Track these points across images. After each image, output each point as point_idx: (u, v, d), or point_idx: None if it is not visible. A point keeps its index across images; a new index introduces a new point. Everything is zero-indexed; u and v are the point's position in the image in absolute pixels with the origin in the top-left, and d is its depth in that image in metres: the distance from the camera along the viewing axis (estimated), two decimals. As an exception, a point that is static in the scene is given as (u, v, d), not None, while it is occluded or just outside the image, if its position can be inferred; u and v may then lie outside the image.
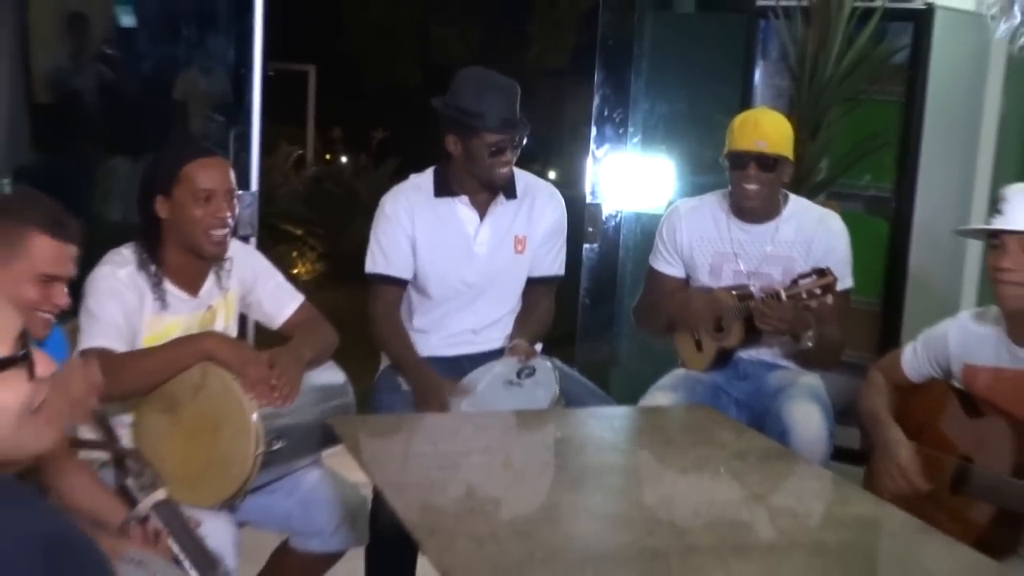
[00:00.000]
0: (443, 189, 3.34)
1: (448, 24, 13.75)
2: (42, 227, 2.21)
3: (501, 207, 3.37)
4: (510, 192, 3.36)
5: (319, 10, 12.50)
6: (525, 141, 3.29)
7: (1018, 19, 1.35)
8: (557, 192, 3.52)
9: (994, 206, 2.62)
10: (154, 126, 6.57)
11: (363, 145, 12.34)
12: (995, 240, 2.58)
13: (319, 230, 10.30)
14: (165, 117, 6.78)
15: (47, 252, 2.21)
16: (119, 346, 2.68)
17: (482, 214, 3.35)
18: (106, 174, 6.23)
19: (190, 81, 6.93)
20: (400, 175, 3.51)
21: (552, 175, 7.46)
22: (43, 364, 1.35)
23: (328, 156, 12.92)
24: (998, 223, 2.57)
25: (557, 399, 3.11)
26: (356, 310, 3.43)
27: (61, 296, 2.28)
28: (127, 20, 7.25)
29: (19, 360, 1.31)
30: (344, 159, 12.81)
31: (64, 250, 2.25)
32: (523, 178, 3.42)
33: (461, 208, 3.35)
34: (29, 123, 3.47)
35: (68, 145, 6.31)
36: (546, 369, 3.18)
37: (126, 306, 2.73)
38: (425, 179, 3.38)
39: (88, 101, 6.59)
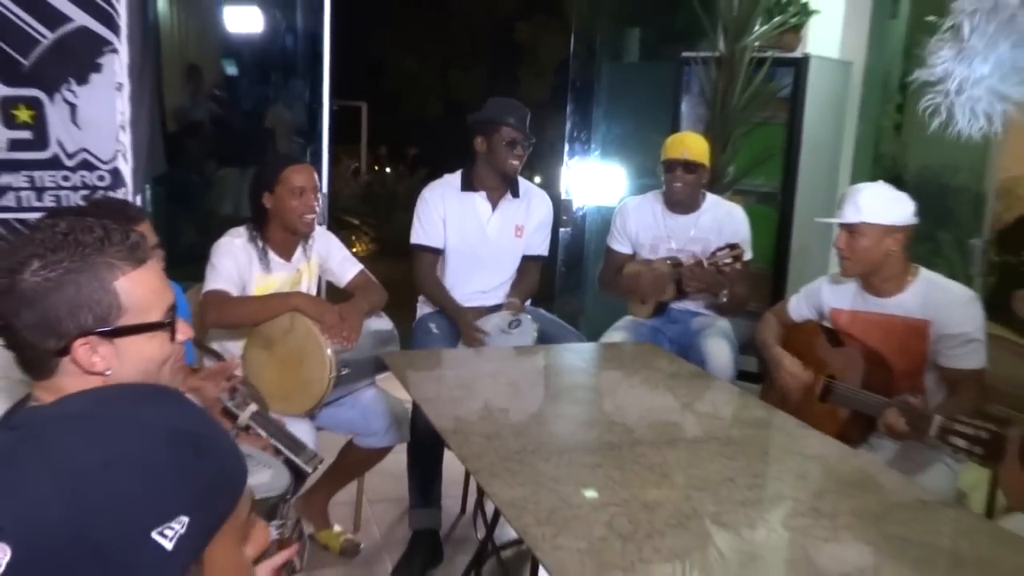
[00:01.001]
0: (467, 186, 3.31)
1: (461, 70, 13.65)
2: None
3: (507, 202, 3.34)
4: (515, 192, 3.34)
5: (368, 61, 12.40)
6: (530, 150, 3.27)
7: (940, 99, 1.32)
8: (547, 196, 3.49)
9: (838, 203, 2.62)
10: (251, 146, 6.59)
11: (401, 159, 12.31)
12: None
13: (371, 220, 10.30)
14: (259, 139, 6.79)
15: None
16: (232, 290, 2.70)
17: (494, 206, 3.33)
18: (219, 181, 6.24)
19: (277, 114, 6.95)
20: (428, 180, 3.50)
21: (537, 179, 7.44)
22: (183, 331, 1.35)
23: (376, 167, 12.85)
24: (837, 217, 2.58)
25: (534, 340, 3.13)
26: (398, 277, 3.43)
27: None
28: (231, 70, 7.25)
29: (166, 325, 1.31)
30: (388, 169, 12.75)
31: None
32: (524, 184, 3.40)
33: (479, 201, 3.32)
34: (164, 145, 3.46)
35: (191, 161, 6.32)
36: (528, 322, 3.18)
37: (238, 263, 2.75)
38: (455, 177, 3.35)
39: (204, 129, 6.60)
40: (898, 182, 2.77)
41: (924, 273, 2.57)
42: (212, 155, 6.53)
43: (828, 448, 2.19)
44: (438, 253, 3.32)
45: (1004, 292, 5.49)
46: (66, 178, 2.92)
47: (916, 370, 2.54)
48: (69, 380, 1.24)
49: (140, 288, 1.26)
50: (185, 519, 0.72)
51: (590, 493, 1.84)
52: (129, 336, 1.25)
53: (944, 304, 2.49)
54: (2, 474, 0.70)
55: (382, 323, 3.00)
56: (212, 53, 7.02)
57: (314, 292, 3.01)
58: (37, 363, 1.24)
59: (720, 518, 1.74)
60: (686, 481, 1.90)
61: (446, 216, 3.30)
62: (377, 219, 10.32)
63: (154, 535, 0.70)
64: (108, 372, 1.25)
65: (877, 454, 2.51)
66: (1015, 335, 2.95)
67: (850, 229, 2.54)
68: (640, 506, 1.76)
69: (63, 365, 1.23)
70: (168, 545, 0.71)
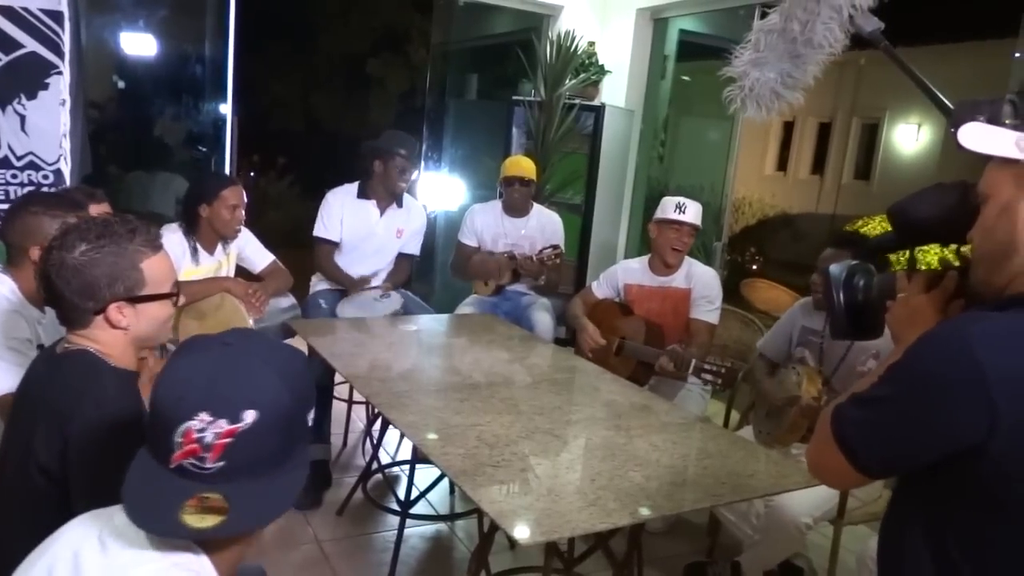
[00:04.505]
0: (362, 194, 3.31)
1: (320, 93, 13.33)
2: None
3: (392, 210, 3.35)
4: (399, 203, 3.36)
5: (240, 82, 11.88)
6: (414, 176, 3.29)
7: (737, 92, 1.51)
8: (424, 208, 3.51)
9: (680, 209, 2.93)
10: (153, 153, 6.29)
11: (270, 166, 11.89)
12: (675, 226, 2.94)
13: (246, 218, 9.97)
14: (152, 148, 6.47)
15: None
16: None
17: (381, 212, 3.33)
18: (130, 181, 5.87)
19: (164, 126, 6.62)
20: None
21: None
22: (183, 300, 1.50)
23: (250, 173, 12.38)
24: (693, 220, 2.93)
25: (398, 310, 3.18)
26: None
27: None
28: (120, 85, 6.83)
29: (174, 295, 1.43)
30: (252, 174, 12.32)
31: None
32: (408, 197, 3.40)
33: (370, 207, 3.32)
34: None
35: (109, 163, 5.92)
36: (396, 296, 3.25)
37: (173, 254, 2.72)
38: (352, 187, 3.34)
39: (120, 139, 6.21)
40: (661, 198, 3.14)
41: (687, 259, 3.00)
42: (115, 160, 6.17)
43: (622, 386, 2.48)
44: (335, 244, 3.34)
45: (735, 281, 6.20)
46: (14, 176, 2.78)
47: (683, 327, 2.91)
48: (98, 331, 1.35)
49: (158, 268, 1.38)
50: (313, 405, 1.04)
51: (461, 418, 2.03)
52: (148, 303, 1.37)
53: (700, 278, 2.94)
54: (237, 367, 0.93)
55: (288, 300, 3.05)
56: (105, 71, 6.58)
57: (232, 274, 3.01)
58: (75, 318, 1.34)
59: (554, 431, 2.00)
60: (529, 409, 2.14)
61: (343, 216, 3.30)
62: (252, 217, 10.00)
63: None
64: (128, 327, 1.36)
65: (656, 390, 2.81)
66: (741, 310, 3.41)
67: (692, 230, 2.93)
68: (499, 425, 1.98)
69: (96, 321, 1.34)
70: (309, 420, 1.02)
